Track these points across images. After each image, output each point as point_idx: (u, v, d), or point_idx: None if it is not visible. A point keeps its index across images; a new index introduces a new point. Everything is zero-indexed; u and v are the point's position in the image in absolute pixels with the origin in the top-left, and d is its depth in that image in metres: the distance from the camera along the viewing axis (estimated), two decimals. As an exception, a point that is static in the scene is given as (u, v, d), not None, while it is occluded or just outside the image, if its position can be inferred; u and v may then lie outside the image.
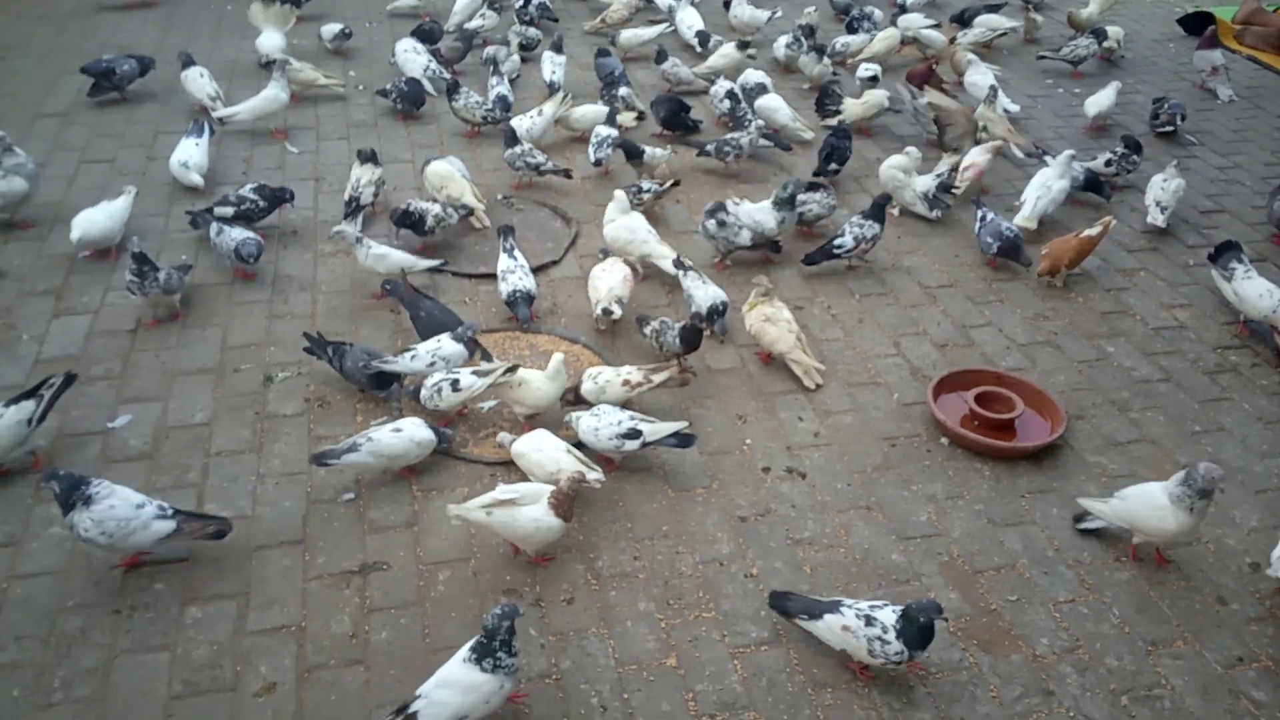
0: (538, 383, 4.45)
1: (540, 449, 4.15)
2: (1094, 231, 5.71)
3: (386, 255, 5.28)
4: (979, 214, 5.93)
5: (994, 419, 4.64)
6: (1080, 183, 6.44)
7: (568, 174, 6.42)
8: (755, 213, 5.74)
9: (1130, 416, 4.84)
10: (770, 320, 4.99)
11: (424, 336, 4.84)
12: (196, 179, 6.05)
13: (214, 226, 5.47)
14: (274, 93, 6.89)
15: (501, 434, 4.33)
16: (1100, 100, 7.51)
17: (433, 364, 4.58)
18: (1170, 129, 7.48)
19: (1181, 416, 4.86)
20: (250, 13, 8.01)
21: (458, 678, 3.21)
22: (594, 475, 4.07)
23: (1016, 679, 3.59)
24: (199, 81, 7.19)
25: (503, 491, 3.84)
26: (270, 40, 7.80)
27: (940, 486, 4.39)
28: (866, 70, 7.84)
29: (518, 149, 6.35)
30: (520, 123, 6.72)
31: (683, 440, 4.27)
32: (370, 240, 5.33)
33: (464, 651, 3.25)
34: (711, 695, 3.48)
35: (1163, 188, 6.29)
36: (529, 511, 3.78)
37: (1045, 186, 6.18)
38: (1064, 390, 4.96)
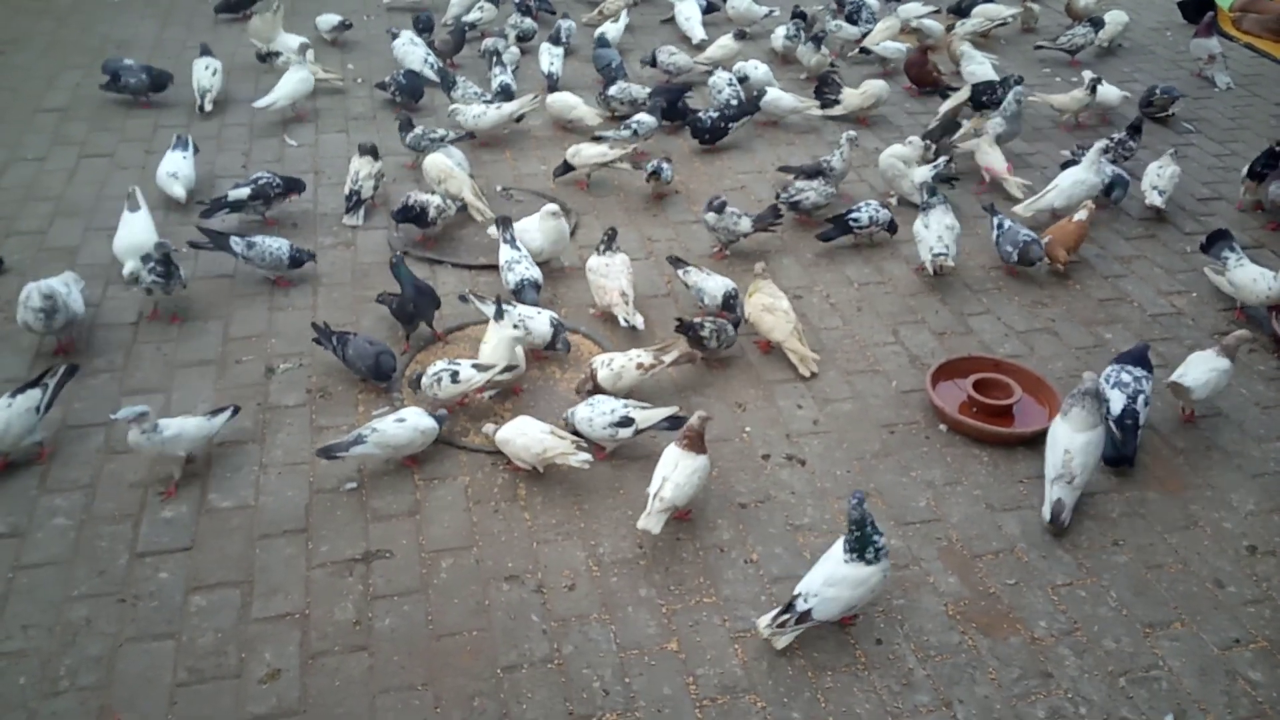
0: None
1: (524, 433, 4.20)
2: (1082, 216, 5.73)
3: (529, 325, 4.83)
4: (995, 221, 5.76)
5: (992, 405, 4.66)
6: (1105, 184, 6.26)
7: (472, 135, 6.58)
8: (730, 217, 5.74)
9: (1128, 402, 4.87)
10: (769, 310, 5.03)
11: (396, 315, 4.96)
12: (180, 192, 5.87)
13: (243, 243, 5.27)
14: (303, 74, 7.10)
15: (487, 425, 4.37)
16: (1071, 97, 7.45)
17: (515, 326, 4.64)
18: (1166, 114, 7.48)
19: (1179, 401, 4.87)
20: (250, 29, 7.96)
21: (845, 574, 3.50)
22: (582, 456, 4.13)
23: (1015, 661, 3.62)
24: (202, 74, 7.25)
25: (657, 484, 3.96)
26: (286, 40, 7.82)
27: (939, 472, 4.41)
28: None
29: (418, 130, 6.42)
30: (469, 109, 6.75)
31: (674, 423, 4.29)
32: (513, 310, 4.85)
33: (839, 552, 3.53)
34: (712, 679, 3.51)
35: (1159, 174, 6.30)
36: (682, 470, 3.93)
37: (1078, 183, 6.05)
38: (1061, 377, 4.98)
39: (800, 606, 3.52)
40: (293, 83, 7.05)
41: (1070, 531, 4.14)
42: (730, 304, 5.13)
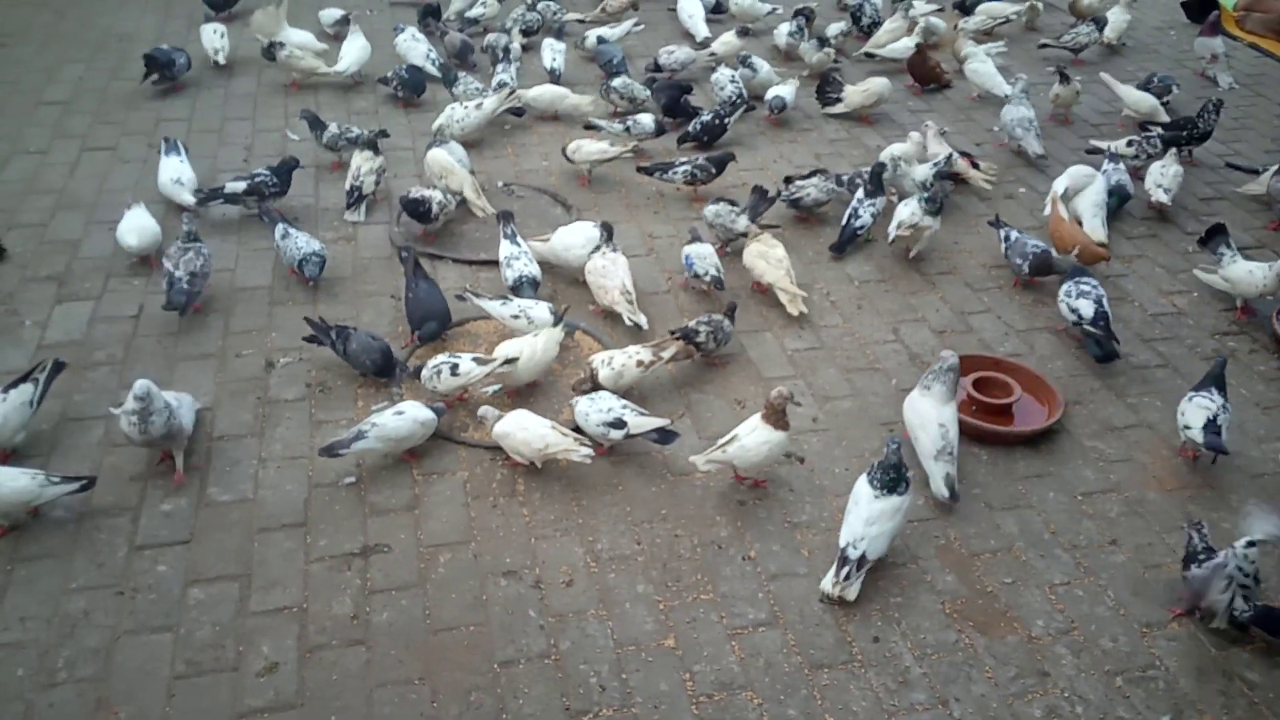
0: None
1: (525, 427, 4.20)
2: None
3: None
4: (1001, 234, 5.71)
5: (991, 404, 4.66)
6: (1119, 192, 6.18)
7: (384, 134, 6.42)
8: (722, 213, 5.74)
9: (1128, 401, 4.87)
10: (762, 255, 5.38)
11: (409, 317, 4.96)
12: (189, 198, 5.79)
13: (280, 228, 5.30)
14: (362, 41, 7.53)
15: (484, 407, 4.34)
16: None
17: (516, 317, 4.79)
18: (1164, 101, 7.49)
19: (1178, 402, 4.86)
20: (254, 24, 7.84)
21: (882, 508, 3.78)
22: (584, 451, 4.13)
23: (1012, 660, 3.62)
24: (211, 36, 7.69)
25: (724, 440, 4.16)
26: (291, 35, 7.79)
27: (938, 470, 4.41)
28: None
29: (332, 129, 6.37)
30: (452, 112, 6.70)
31: (664, 436, 4.28)
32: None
33: (869, 490, 3.80)
34: (709, 675, 3.51)
35: (1162, 173, 6.30)
36: (754, 436, 4.08)
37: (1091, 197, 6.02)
38: (1061, 376, 4.98)
39: (853, 554, 3.75)
40: (356, 49, 7.49)
41: (1068, 530, 4.15)
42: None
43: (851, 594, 3.77)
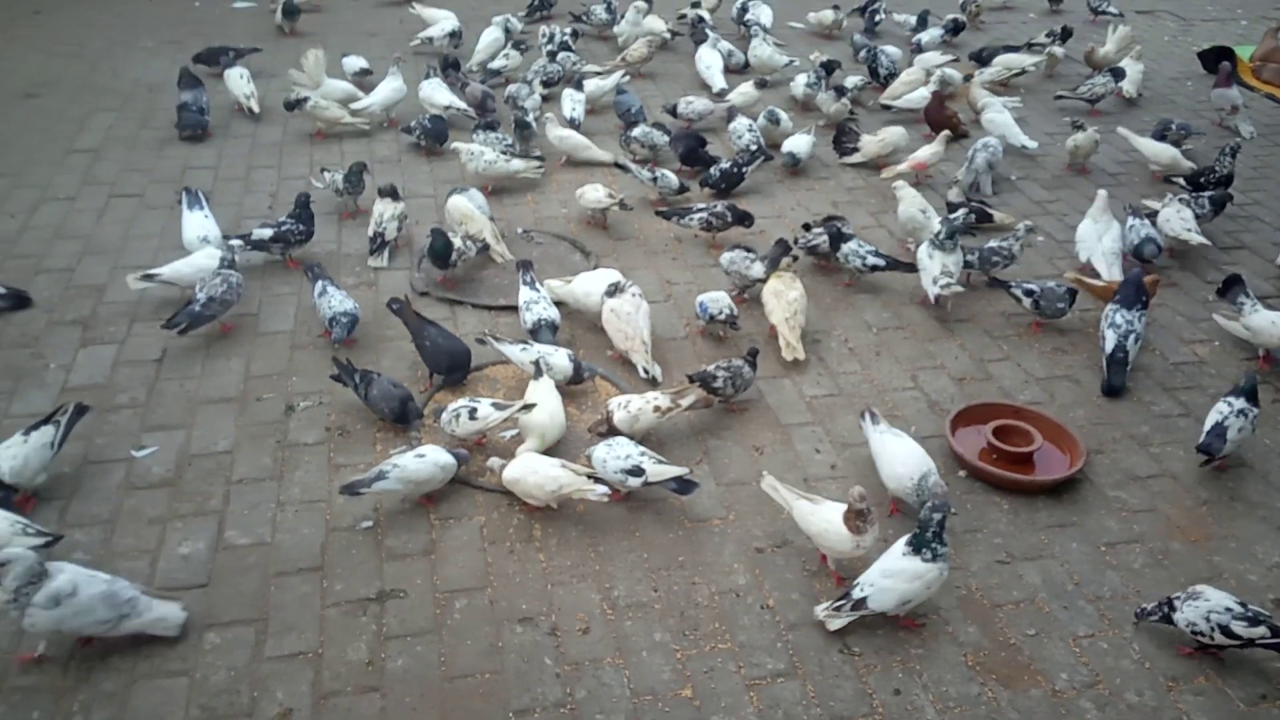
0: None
1: (535, 470, 4.20)
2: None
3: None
4: (1015, 287, 5.66)
5: (1012, 453, 4.63)
6: (1134, 247, 6.09)
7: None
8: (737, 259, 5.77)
9: (1150, 451, 4.82)
10: (775, 294, 5.40)
11: (429, 363, 5.00)
12: (215, 253, 5.71)
13: (318, 285, 5.32)
14: (398, 84, 7.74)
15: (492, 459, 4.38)
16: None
17: (535, 362, 4.77)
18: (1184, 149, 7.50)
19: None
20: (295, 74, 7.97)
21: (901, 567, 3.70)
22: (600, 489, 4.14)
23: (1035, 714, 3.55)
24: (238, 82, 7.90)
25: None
26: (330, 85, 7.95)
27: (958, 520, 4.36)
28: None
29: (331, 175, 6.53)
30: (483, 152, 6.80)
31: (682, 485, 4.25)
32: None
33: (901, 547, 3.74)
34: (727, 727, 3.46)
35: (1180, 218, 6.28)
36: (824, 512, 3.98)
37: (1107, 245, 6.00)
38: (1083, 425, 4.94)
39: (856, 594, 3.73)
40: (388, 90, 7.72)
41: (1092, 581, 4.09)
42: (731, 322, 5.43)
43: (833, 625, 3.77)
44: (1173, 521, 4.42)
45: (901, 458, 4.32)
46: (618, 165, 6.82)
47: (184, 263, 5.55)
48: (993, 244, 5.98)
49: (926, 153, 7.16)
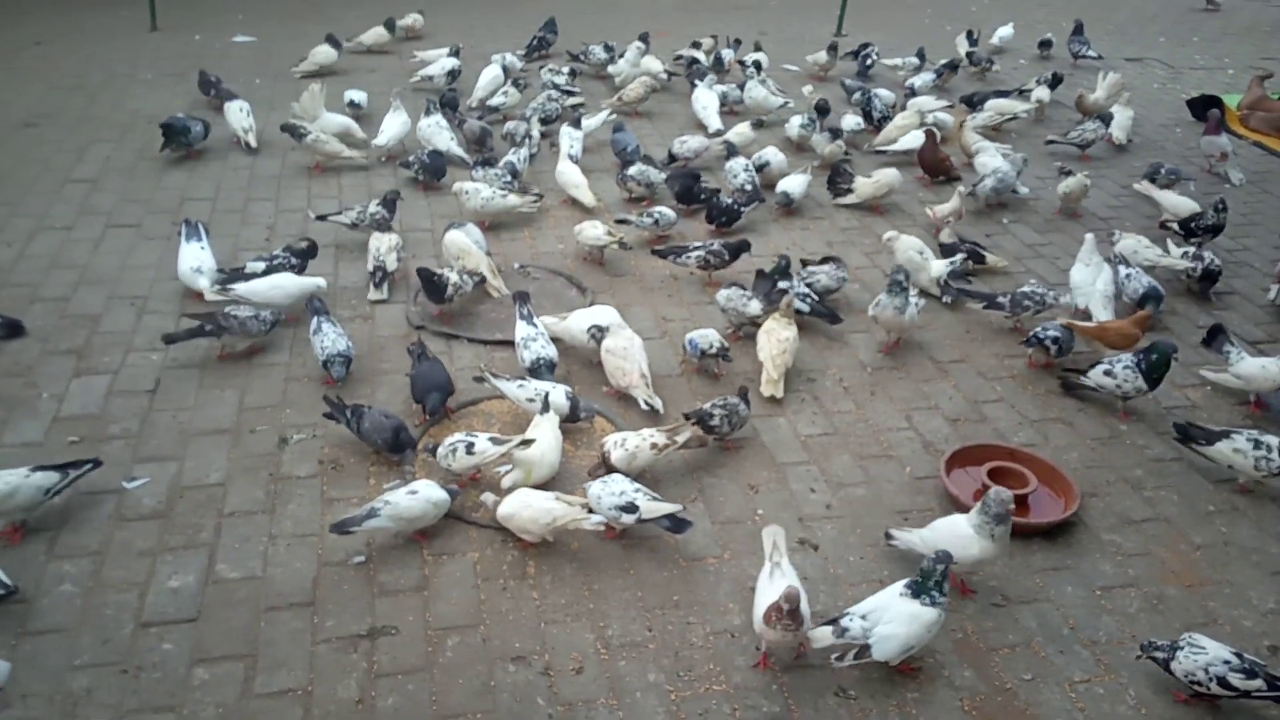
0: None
1: (529, 505, 4.19)
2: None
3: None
4: (1035, 334, 5.66)
5: (1007, 494, 4.62)
6: (1140, 298, 6.07)
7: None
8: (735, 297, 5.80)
9: (1144, 495, 4.83)
10: (767, 333, 5.44)
11: (413, 393, 5.00)
12: (206, 284, 5.77)
13: (313, 321, 5.29)
14: (404, 117, 7.92)
15: (485, 494, 4.36)
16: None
17: (531, 400, 4.81)
18: (1168, 189, 7.59)
19: (1195, 495, 4.84)
20: (295, 107, 8.02)
21: (900, 609, 3.64)
22: (594, 519, 4.13)
23: (1032, 759, 3.53)
24: (238, 115, 7.95)
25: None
26: (328, 119, 7.98)
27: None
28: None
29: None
30: (479, 189, 6.86)
31: (676, 524, 4.24)
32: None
33: (898, 589, 3.72)
34: (721, 770, 3.43)
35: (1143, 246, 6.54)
36: (766, 588, 3.78)
37: (1100, 287, 6.04)
38: (1077, 468, 4.95)
39: (848, 624, 3.68)
40: (398, 125, 7.87)
41: (1087, 626, 4.07)
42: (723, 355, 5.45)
43: (817, 650, 3.75)
44: (1167, 566, 4.41)
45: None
46: (618, 222, 6.76)
47: (262, 281, 5.66)
48: (1025, 289, 6.01)
49: (943, 208, 7.10)
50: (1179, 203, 7.37)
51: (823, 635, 3.72)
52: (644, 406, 5.12)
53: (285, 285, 5.65)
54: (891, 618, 3.66)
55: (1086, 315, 6.02)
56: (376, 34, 10.48)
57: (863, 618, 3.71)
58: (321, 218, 6.59)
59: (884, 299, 5.64)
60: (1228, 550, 4.51)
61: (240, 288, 5.58)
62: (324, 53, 9.75)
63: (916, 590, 3.69)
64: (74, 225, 6.72)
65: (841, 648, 3.70)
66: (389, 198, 6.62)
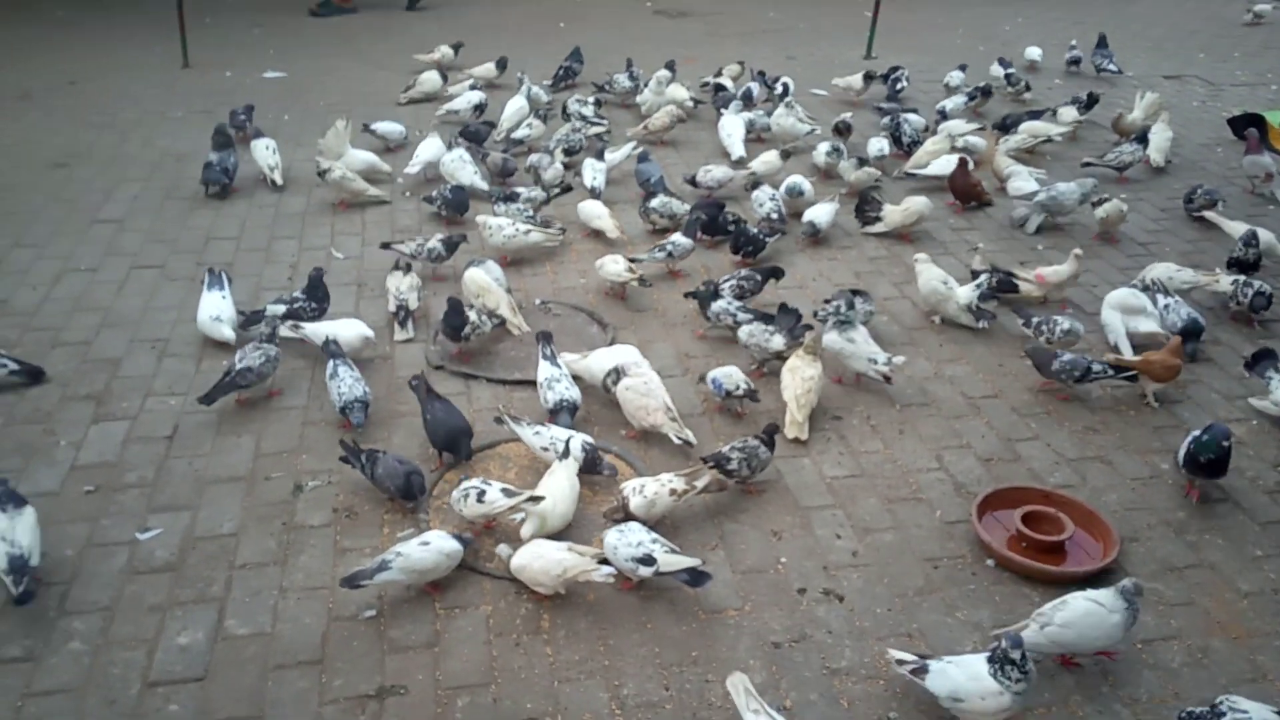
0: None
1: (540, 555, 4.09)
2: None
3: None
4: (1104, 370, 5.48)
5: (1043, 541, 4.44)
6: (1181, 329, 5.86)
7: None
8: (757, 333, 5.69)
9: (1187, 539, 4.61)
10: (791, 370, 5.29)
11: (430, 437, 4.92)
12: (228, 333, 5.75)
13: (330, 365, 5.24)
14: (437, 142, 8.02)
15: (500, 545, 4.28)
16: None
17: (546, 449, 4.72)
18: (1202, 214, 7.37)
19: (1242, 539, 4.61)
20: (321, 145, 8.01)
21: (975, 672, 3.57)
22: (605, 570, 4.02)
23: (1069, 831, 3.34)
24: (264, 153, 7.99)
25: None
26: (353, 155, 7.96)
27: (986, 613, 4.17)
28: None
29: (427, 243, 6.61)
30: (501, 226, 6.79)
31: (695, 577, 4.09)
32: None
33: (983, 656, 3.62)
34: (739, 841, 3.28)
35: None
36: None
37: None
38: (1116, 510, 4.75)
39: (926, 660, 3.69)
40: (430, 150, 7.95)
41: (1128, 683, 3.87)
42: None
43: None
44: (1212, 616, 4.20)
45: None
46: (632, 260, 6.56)
47: (327, 325, 5.71)
48: (1062, 323, 5.85)
49: (1057, 272, 6.49)
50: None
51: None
52: (677, 441, 4.99)
53: (344, 334, 5.57)
54: (969, 677, 3.59)
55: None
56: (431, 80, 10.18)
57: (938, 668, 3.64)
58: (386, 245, 6.63)
59: (832, 336, 5.54)
60: (1277, 599, 4.29)
61: (307, 329, 5.65)
62: (430, 80, 10.03)
63: (999, 664, 3.56)
64: (99, 267, 6.75)
65: None
66: (454, 239, 6.64)
